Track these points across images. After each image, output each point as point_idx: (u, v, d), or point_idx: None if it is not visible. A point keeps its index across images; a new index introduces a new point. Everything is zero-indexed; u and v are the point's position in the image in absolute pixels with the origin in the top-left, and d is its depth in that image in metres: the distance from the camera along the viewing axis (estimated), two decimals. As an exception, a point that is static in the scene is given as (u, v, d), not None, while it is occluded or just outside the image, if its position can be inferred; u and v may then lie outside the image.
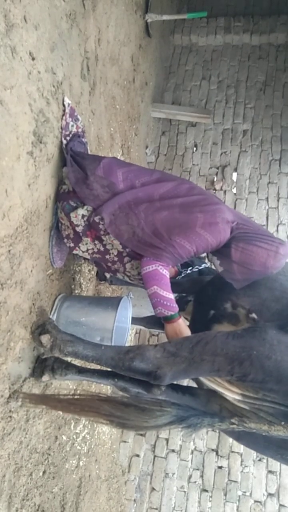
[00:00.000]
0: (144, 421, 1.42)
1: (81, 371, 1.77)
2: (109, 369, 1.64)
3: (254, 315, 1.59)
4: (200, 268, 2.22)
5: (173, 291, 2.26)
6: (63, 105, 1.91)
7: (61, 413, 2.11)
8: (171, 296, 1.69)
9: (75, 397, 1.58)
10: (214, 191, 4.17)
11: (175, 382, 1.56)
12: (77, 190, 1.78)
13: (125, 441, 3.47)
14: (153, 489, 3.32)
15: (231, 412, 1.48)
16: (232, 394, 1.43)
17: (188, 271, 2.13)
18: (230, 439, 3.32)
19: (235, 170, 4.25)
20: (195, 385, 1.77)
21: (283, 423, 1.33)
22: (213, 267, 2.24)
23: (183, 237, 1.63)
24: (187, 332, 1.69)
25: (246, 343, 1.40)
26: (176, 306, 1.69)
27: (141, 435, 3.47)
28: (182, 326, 1.70)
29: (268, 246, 1.61)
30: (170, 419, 1.44)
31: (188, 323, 2.17)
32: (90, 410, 1.47)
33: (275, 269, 1.64)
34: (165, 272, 1.69)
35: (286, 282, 1.65)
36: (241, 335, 1.45)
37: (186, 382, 2.38)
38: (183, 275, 2.20)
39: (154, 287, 1.66)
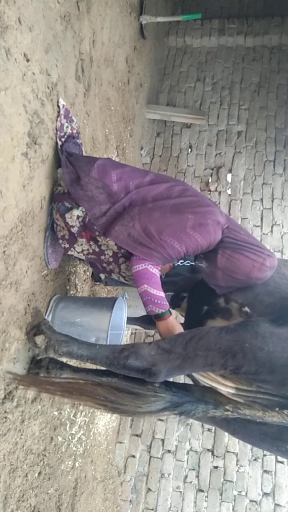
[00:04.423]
0: (137, 406, 1.42)
1: (76, 370, 1.77)
2: (104, 368, 1.65)
3: (247, 309, 1.60)
4: (193, 263, 2.23)
5: (168, 290, 2.28)
6: (58, 106, 1.91)
7: (52, 397, 2.03)
8: (162, 294, 1.69)
9: (69, 380, 1.57)
10: (209, 192, 4.18)
11: (171, 380, 1.57)
12: (72, 191, 1.79)
13: (120, 442, 3.47)
14: (149, 489, 3.32)
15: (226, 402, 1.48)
16: (226, 388, 1.44)
17: (180, 264, 2.14)
18: (226, 439, 3.34)
19: (230, 171, 4.27)
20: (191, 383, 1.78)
21: (277, 409, 1.33)
22: None
23: (173, 237, 1.63)
24: (178, 328, 1.71)
25: (239, 336, 1.41)
26: (167, 304, 1.70)
27: (137, 435, 3.47)
28: (173, 322, 1.71)
29: (255, 257, 1.62)
30: (164, 405, 1.44)
31: (183, 320, 2.18)
32: (83, 394, 1.46)
33: (259, 280, 1.64)
34: (155, 271, 1.70)
35: (279, 279, 1.66)
36: (234, 330, 1.46)
37: (182, 380, 2.39)
38: (175, 265, 2.20)
39: (145, 285, 1.67)
